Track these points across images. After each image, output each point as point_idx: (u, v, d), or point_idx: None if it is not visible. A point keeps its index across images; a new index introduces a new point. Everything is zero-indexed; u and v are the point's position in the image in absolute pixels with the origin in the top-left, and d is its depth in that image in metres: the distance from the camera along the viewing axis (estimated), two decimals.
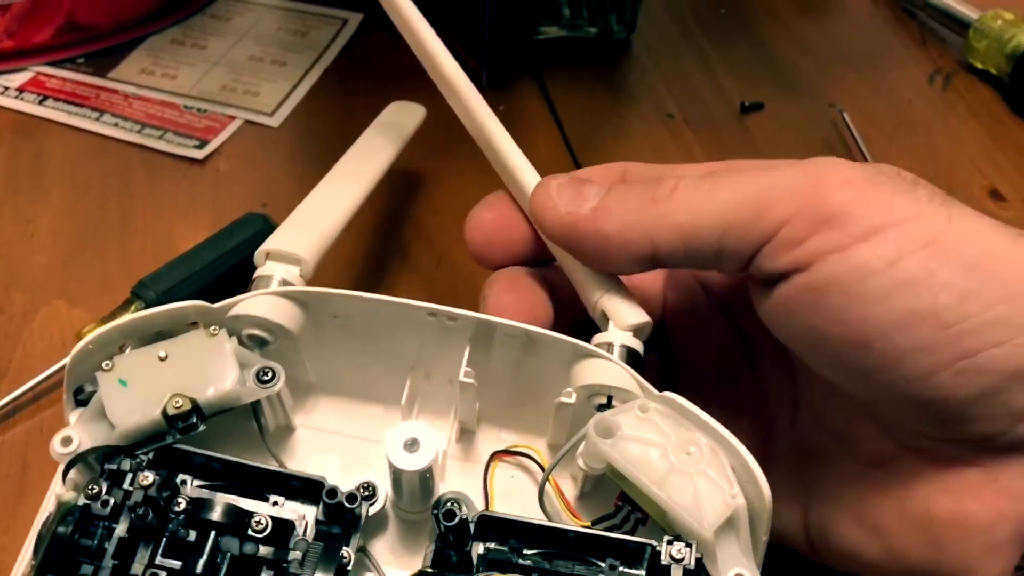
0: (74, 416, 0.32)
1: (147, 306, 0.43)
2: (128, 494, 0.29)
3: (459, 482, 0.33)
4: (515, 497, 0.33)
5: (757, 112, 0.60)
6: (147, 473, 0.29)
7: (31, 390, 0.42)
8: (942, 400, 0.28)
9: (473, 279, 0.48)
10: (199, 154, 0.54)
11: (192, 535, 0.29)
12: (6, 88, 0.59)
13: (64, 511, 0.29)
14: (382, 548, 0.32)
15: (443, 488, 0.33)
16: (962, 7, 0.65)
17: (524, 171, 0.39)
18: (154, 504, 0.29)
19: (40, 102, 0.58)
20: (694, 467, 0.28)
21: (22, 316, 0.46)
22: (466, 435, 0.36)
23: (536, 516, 0.31)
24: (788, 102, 0.61)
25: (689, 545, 0.27)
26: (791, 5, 0.70)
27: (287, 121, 0.58)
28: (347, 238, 0.50)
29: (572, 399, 0.32)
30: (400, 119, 0.51)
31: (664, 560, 0.27)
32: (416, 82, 0.61)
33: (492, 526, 0.29)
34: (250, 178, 0.54)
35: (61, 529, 0.28)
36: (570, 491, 0.33)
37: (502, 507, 0.33)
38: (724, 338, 0.37)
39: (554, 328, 0.33)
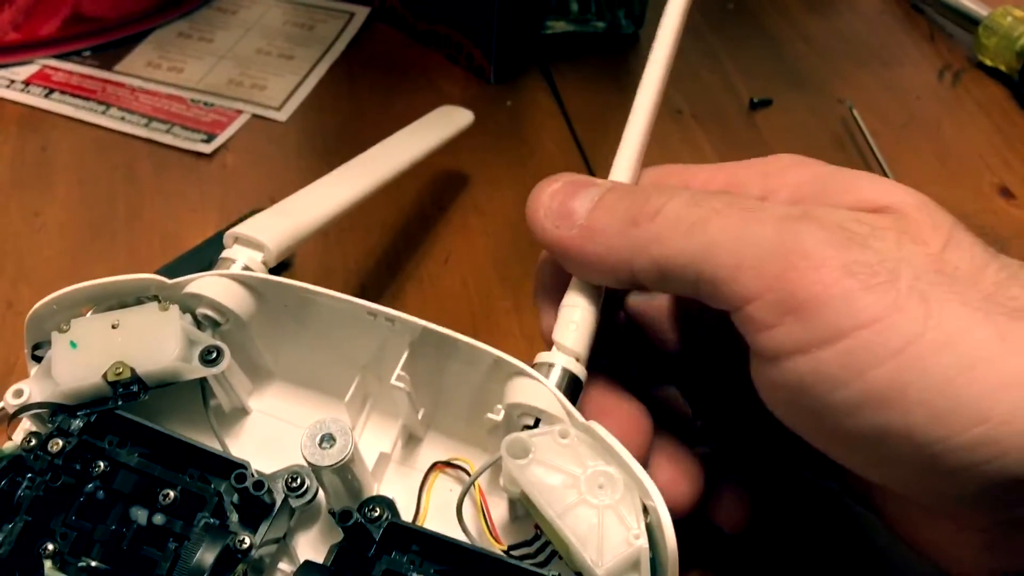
0: (33, 371, 0.33)
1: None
2: (49, 453, 0.30)
3: (397, 488, 0.33)
4: (449, 510, 0.32)
5: (766, 108, 0.60)
6: (58, 440, 0.30)
7: None
8: (930, 500, 0.27)
9: (482, 273, 0.48)
10: (207, 148, 0.54)
11: (106, 500, 0.29)
12: (12, 81, 0.59)
13: None
14: (313, 541, 0.32)
15: (382, 491, 0.32)
16: (972, 4, 0.65)
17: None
18: (70, 469, 0.29)
19: (46, 95, 0.58)
20: (602, 501, 0.27)
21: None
22: (414, 441, 0.36)
23: (461, 533, 0.30)
24: (797, 98, 0.60)
25: None
26: (799, 1, 0.70)
27: (295, 115, 0.57)
28: (348, 237, 0.50)
29: (500, 416, 0.31)
30: (441, 123, 0.50)
31: None
32: (420, 77, 0.61)
33: (402, 535, 0.28)
34: (258, 172, 0.54)
35: None
36: (503, 513, 0.32)
37: (435, 518, 0.32)
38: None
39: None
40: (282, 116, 0.57)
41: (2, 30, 0.60)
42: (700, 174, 0.34)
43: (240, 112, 0.57)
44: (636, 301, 0.37)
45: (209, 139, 0.55)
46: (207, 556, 0.28)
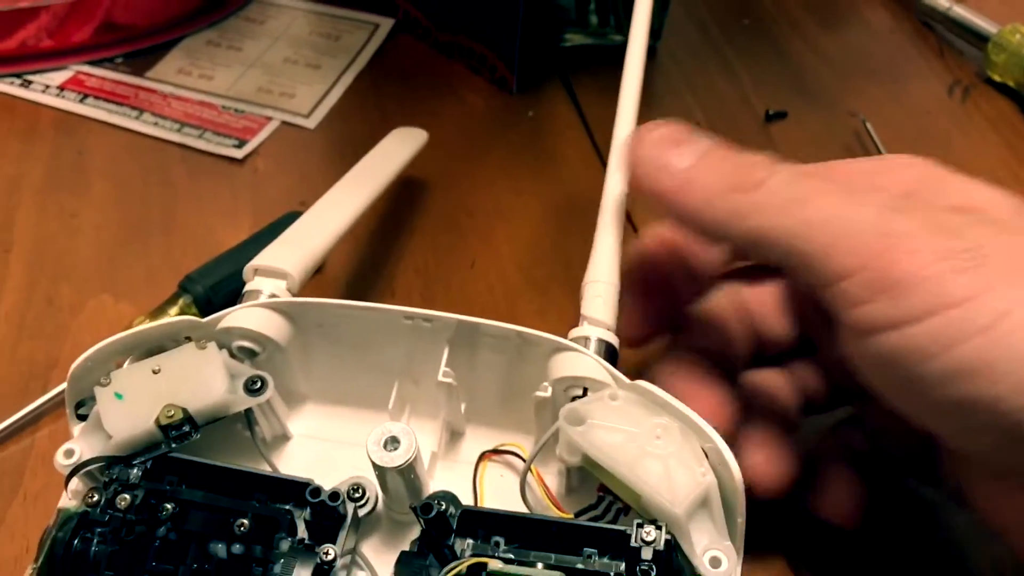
0: (77, 429, 0.34)
1: (194, 300, 0.45)
2: (119, 510, 0.30)
3: (449, 482, 0.35)
4: (504, 494, 0.34)
5: (781, 120, 0.61)
6: (124, 495, 0.30)
7: None
8: (1015, 468, 0.28)
9: (508, 279, 0.50)
10: (238, 153, 0.56)
11: (181, 539, 0.30)
12: (47, 86, 0.60)
13: (63, 518, 0.31)
14: (376, 548, 0.33)
15: (434, 488, 0.34)
16: (981, 21, 0.67)
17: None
18: (140, 519, 0.30)
19: (81, 100, 0.59)
20: (664, 450, 0.29)
21: (70, 308, 0.47)
22: (456, 437, 0.37)
23: (523, 511, 0.32)
24: (811, 111, 0.62)
25: (659, 527, 0.28)
26: (812, 17, 0.72)
27: (323, 123, 0.59)
28: (377, 243, 0.51)
29: (548, 393, 0.33)
30: (401, 144, 0.52)
31: (634, 542, 0.28)
32: (443, 88, 0.63)
33: (475, 521, 0.30)
34: (288, 178, 0.55)
35: (59, 535, 0.30)
36: (557, 486, 0.34)
37: (493, 503, 0.34)
38: None
39: None
40: (310, 123, 0.59)
41: (36, 37, 0.61)
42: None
43: (270, 119, 0.59)
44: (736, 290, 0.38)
45: (240, 145, 0.56)
46: (303, 573, 0.30)
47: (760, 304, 0.37)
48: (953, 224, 0.28)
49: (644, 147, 0.32)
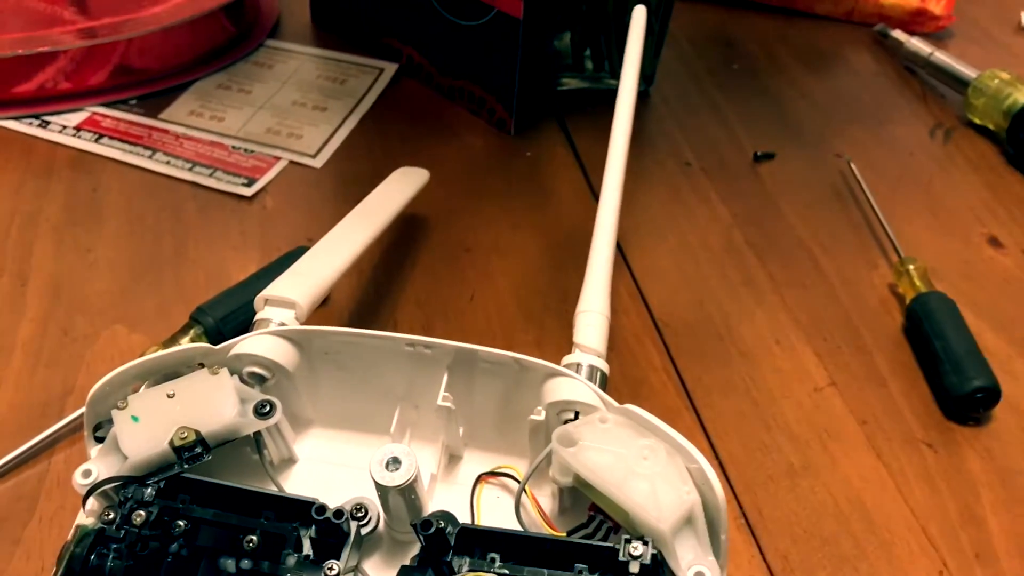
0: (94, 451, 0.36)
1: (205, 330, 0.47)
2: (134, 526, 0.32)
3: (448, 503, 0.36)
4: (500, 514, 0.36)
5: (769, 161, 0.64)
6: (140, 512, 0.32)
7: None
8: None
9: (506, 311, 0.52)
10: (247, 191, 0.58)
11: (192, 555, 0.32)
12: (64, 127, 0.63)
13: (81, 535, 0.33)
14: (378, 566, 0.35)
15: (433, 509, 0.35)
16: (961, 67, 0.69)
17: None
18: (154, 535, 0.32)
19: (96, 140, 0.62)
20: (650, 470, 0.31)
21: (84, 339, 0.49)
22: (454, 460, 0.39)
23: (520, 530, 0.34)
24: (798, 152, 0.65)
25: (646, 542, 0.30)
26: (799, 62, 0.74)
27: (329, 162, 0.61)
28: (380, 276, 0.53)
29: (542, 416, 0.35)
30: (403, 182, 0.55)
31: (622, 557, 0.30)
32: (444, 129, 0.65)
33: (473, 538, 0.32)
34: (296, 215, 0.57)
35: (77, 551, 0.32)
36: (551, 507, 0.36)
37: (489, 523, 0.35)
38: None
39: None
40: (317, 163, 0.61)
41: (54, 80, 0.64)
42: None
43: (278, 159, 0.61)
44: None
45: (250, 183, 0.59)
46: None
47: None
48: None
49: None
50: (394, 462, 0.33)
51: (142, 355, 0.46)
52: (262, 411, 0.35)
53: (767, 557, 0.41)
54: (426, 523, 0.31)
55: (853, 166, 0.62)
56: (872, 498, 0.43)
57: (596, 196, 0.60)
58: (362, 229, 0.47)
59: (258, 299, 0.40)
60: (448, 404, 0.35)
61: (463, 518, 0.35)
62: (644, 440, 0.32)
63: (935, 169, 0.64)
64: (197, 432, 0.34)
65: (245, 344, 0.37)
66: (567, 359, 0.36)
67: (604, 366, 0.36)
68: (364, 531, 0.34)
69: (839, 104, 0.70)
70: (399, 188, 0.53)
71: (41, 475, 0.43)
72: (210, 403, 0.35)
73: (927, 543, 0.42)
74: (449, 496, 0.37)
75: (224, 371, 0.36)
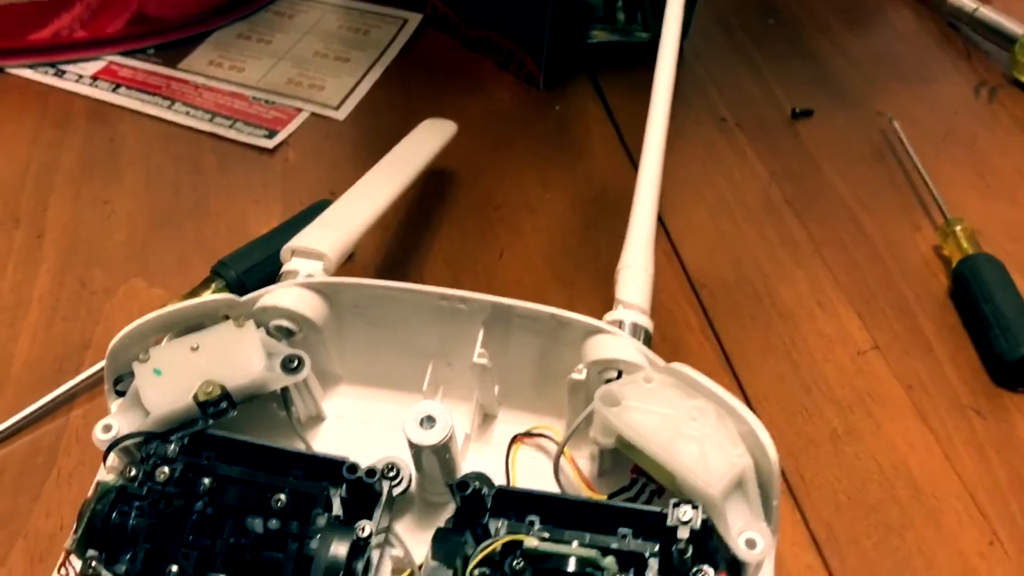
0: (114, 405, 0.34)
1: (227, 284, 0.45)
2: (157, 483, 0.30)
3: (481, 464, 0.35)
4: (537, 476, 0.34)
5: (807, 119, 0.61)
6: (164, 468, 0.31)
7: None
8: None
9: (536, 270, 0.50)
10: (269, 143, 0.56)
11: (218, 514, 0.30)
12: (80, 76, 0.61)
13: (102, 491, 0.31)
14: (409, 527, 0.34)
15: (467, 470, 0.34)
16: (1007, 22, 0.67)
17: None
18: (178, 493, 0.30)
19: (113, 90, 0.60)
20: (699, 432, 0.29)
21: (103, 292, 0.48)
22: (488, 419, 0.37)
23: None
24: (837, 110, 0.62)
25: (696, 507, 0.28)
26: (838, 19, 0.72)
27: (352, 115, 0.60)
28: (407, 232, 0.52)
29: (583, 375, 0.33)
30: (432, 134, 0.53)
31: (670, 522, 0.28)
32: (472, 79, 0.63)
33: (509, 500, 0.30)
34: (318, 168, 0.56)
35: (98, 508, 0.31)
36: (589, 469, 0.34)
37: (524, 486, 0.34)
38: None
39: None
40: (340, 115, 0.59)
41: (70, 28, 0.62)
42: None
43: (299, 110, 0.59)
44: None
45: (271, 135, 0.57)
46: (340, 549, 0.30)
47: None
48: None
49: None
50: (429, 420, 0.31)
51: (162, 307, 0.45)
52: (290, 366, 0.34)
53: (810, 525, 0.39)
54: (463, 483, 0.30)
55: (896, 124, 0.59)
56: (919, 465, 0.42)
57: (629, 153, 0.58)
58: (390, 181, 0.45)
59: (285, 250, 0.38)
60: (484, 361, 0.34)
61: (498, 479, 0.33)
62: (692, 400, 0.30)
63: (980, 128, 0.62)
64: (222, 386, 0.32)
65: (272, 296, 0.35)
66: (609, 315, 0.34)
67: (648, 323, 0.34)
68: (396, 492, 0.33)
69: (879, 61, 0.67)
70: (427, 140, 0.51)
71: (59, 430, 0.42)
72: (236, 356, 0.33)
73: (976, 511, 0.40)
74: (483, 457, 0.36)
75: (250, 323, 0.34)
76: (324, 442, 0.37)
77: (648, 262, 0.36)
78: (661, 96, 0.40)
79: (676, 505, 0.28)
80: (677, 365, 0.31)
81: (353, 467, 0.31)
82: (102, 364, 0.43)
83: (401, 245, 0.51)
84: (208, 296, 0.36)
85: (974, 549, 0.39)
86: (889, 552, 0.38)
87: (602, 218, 0.53)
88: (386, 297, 0.35)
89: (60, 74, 0.61)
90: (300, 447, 0.35)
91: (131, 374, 0.33)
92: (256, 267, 0.46)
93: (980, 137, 0.61)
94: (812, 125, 0.61)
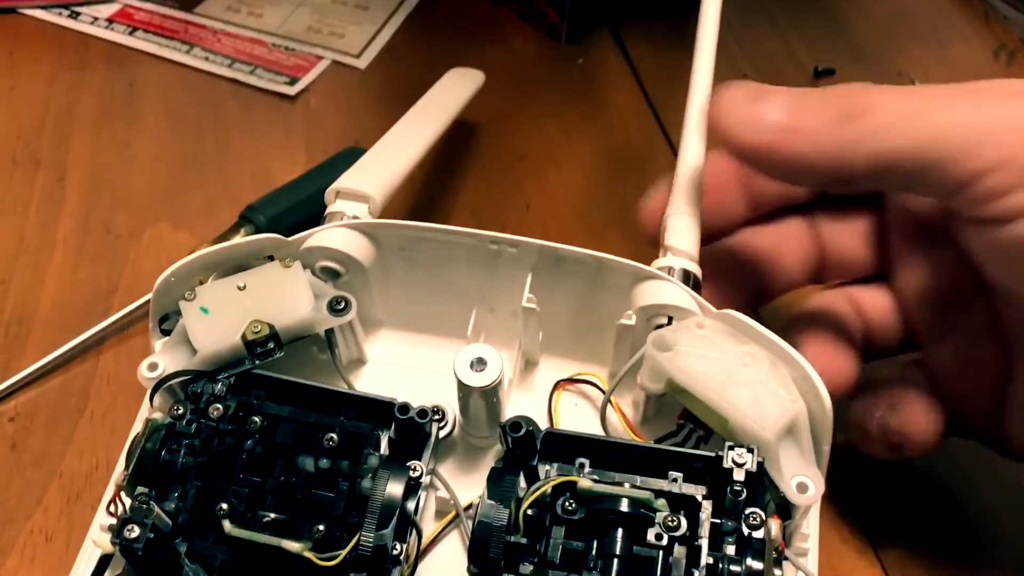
0: (159, 344, 0.34)
1: (257, 229, 0.45)
2: (211, 419, 0.30)
3: (524, 410, 0.34)
4: (579, 423, 0.35)
5: (829, 77, 0.61)
6: (217, 405, 0.30)
7: (144, 306, 0.43)
8: None
9: (564, 221, 0.50)
10: (291, 90, 0.56)
11: (268, 453, 0.30)
12: (95, 18, 0.60)
13: (152, 429, 0.31)
14: (452, 471, 0.34)
15: (509, 415, 0.34)
16: None
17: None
18: (229, 431, 0.30)
19: (130, 33, 0.59)
20: (752, 377, 0.29)
21: (128, 236, 0.47)
22: (530, 366, 0.37)
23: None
24: (858, 69, 0.62)
25: (751, 450, 0.28)
26: None
27: (373, 63, 0.59)
28: (432, 184, 0.51)
29: (632, 321, 0.33)
30: (460, 83, 0.52)
31: (726, 464, 0.28)
32: (493, 30, 0.62)
33: (558, 443, 0.30)
34: (341, 116, 0.55)
35: (149, 445, 0.31)
36: (633, 416, 0.34)
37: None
38: (952, 263, 0.34)
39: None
40: (361, 63, 0.59)
41: None
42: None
43: (320, 58, 0.58)
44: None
45: (292, 82, 0.56)
46: (396, 488, 0.30)
47: (837, 236, 0.37)
48: None
49: (728, 106, 0.31)
50: (480, 362, 0.31)
51: (190, 253, 0.44)
52: (337, 307, 0.33)
53: None
54: (515, 424, 0.30)
55: (917, 84, 0.59)
56: None
57: (652, 106, 0.58)
58: (424, 129, 0.45)
59: (329, 192, 0.38)
60: (533, 306, 0.34)
61: (541, 424, 0.34)
62: (744, 347, 0.30)
63: None
64: (271, 326, 0.32)
65: (319, 236, 0.35)
66: (658, 262, 0.34)
67: (698, 270, 0.34)
68: (441, 434, 0.33)
69: (899, 22, 0.67)
70: (456, 89, 0.51)
71: (89, 373, 0.42)
72: (284, 297, 0.33)
73: None
74: (526, 403, 0.36)
75: (297, 264, 0.34)
76: (365, 385, 0.37)
77: (696, 210, 0.36)
78: (707, 41, 0.40)
79: (731, 448, 0.28)
80: (729, 311, 0.31)
81: (405, 407, 0.31)
82: (132, 307, 0.43)
83: (428, 197, 0.51)
84: (255, 236, 0.36)
85: None
86: None
87: (627, 171, 0.53)
88: (434, 240, 0.35)
89: (75, 16, 0.60)
90: (344, 389, 0.35)
91: (176, 313, 0.33)
92: (286, 213, 0.46)
93: None
94: (834, 84, 0.61)
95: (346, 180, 0.39)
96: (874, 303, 0.37)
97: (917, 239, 0.35)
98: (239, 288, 0.33)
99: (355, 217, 0.37)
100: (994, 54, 0.65)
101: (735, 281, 0.36)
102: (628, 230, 0.49)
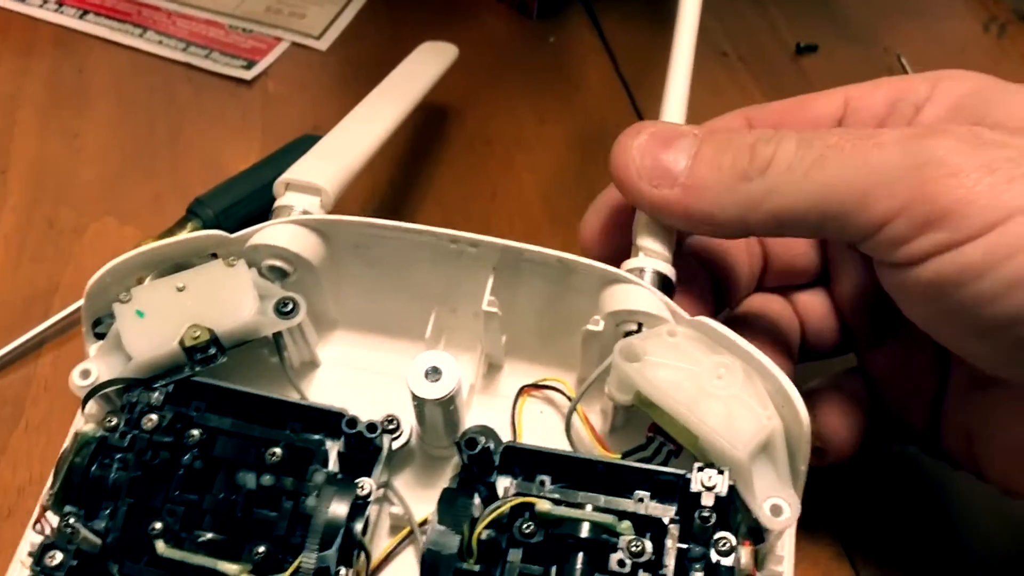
0: (93, 348, 0.31)
1: (204, 224, 0.43)
2: (144, 431, 0.28)
3: (487, 417, 0.32)
4: (544, 431, 0.32)
5: (812, 54, 0.59)
6: (151, 416, 0.28)
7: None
8: None
9: (530, 210, 0.48)
10: (247, 75, 0.53)
11: (207, 468, 0.28)
12: (45, 1, 0.57)
13: (81, 443, 0.29)
14: (408, 483, 0.32)
15: (470, 423, 0.32)
16: None
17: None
18: (165, 443, 0.28)
19: (80, 16, 0.56)
20: (726, 391, 0.27)
21: (72, 231, 0.45)
22: (494, 370, 0.35)
23: (568, 450, 0.30)
24: (843, 45, 0.60)
25: (721, 471, 0.26)
26: None
27: (335, 44, 0.56)
28: (395, 171, 0.49)
29: (600, 327, 0.30)
30: (430, 59, 0.49)
31: (694, 487, 0.26)
32: (461, 11, 0.60)
33: (518, 458, 0.28)
34: (299, 100, 0.53)
35: (77, 460, 0.28)
36: (601, 426, 0.32)
37: (532, 440, 0.32)
38: None
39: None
40: (322, 45, 0.56)
41: None
42: (814, 100, 0.34)
43: (279, 40, 0.56)
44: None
45: (249, 65, 0.54)
46: (340, 508, 0.28)
47: (781, 245, 0.36)
48: (993, 136, 0.26)
49: (630, 157, 0.30)
50: (434, 372, 0.29)
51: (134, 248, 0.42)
52: (284, 309, 0.31)
53: None
54: (471, 441, 0.27)
55: (904, 60, 0.57)
56: None
57: (626, 86, 0.55)
58: (388, 111, 0.42)
59: (278, 183, 0.35)
60: (494, 309, 0.31)
61: (503, 433, 0.31)
62: (718, 357, 0.28)
63: (989, 65, 0.59)
64: (211, 331, 0.29)
65: (265, 233, 0.32)
66: (629, 263, 0.31)
67: (670, 271, 0.31)
68: (395, 445, 0.31)
69: None
70: (425, 66, 0.48)
71: (27, 379, 0.40)
72: (225, 298, 0.30)
73: None
74: (488, 409, 0.33)
75: (241, 263, 0.31)
76: (319, 390, 0.34)
77: None
78: (686, 35, 0.37)
79: (700, 469, 0.26)
80: (703, 319, 0.29)
81: (353, 421, 0.29)
82: (72, 308, 0.41)
83: (389, 184, 0.49)
84: (197, 232, 0.33)
85: None
86: None
87: (599, 153, 0.50)
88: (390, 238, 0.32)
89: None
90: (293, 395, 0.32)
91: (111, 315, 0.31)
92: (235, 206, 0.43)
93: (988, 73, 0.59)
94: (817, 60, 0.58)
95: (296, 171, 0.36)
96: (810, 305, 0.36)
97: (852, 249, 0.34)
98: (178, 289, 0.31)
99: (305, 212, 0.35)
100: (984, 27, 0.63)
101: (700, 288, 0.34)
102: None
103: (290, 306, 0.31)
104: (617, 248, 0.33)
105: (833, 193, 0.27)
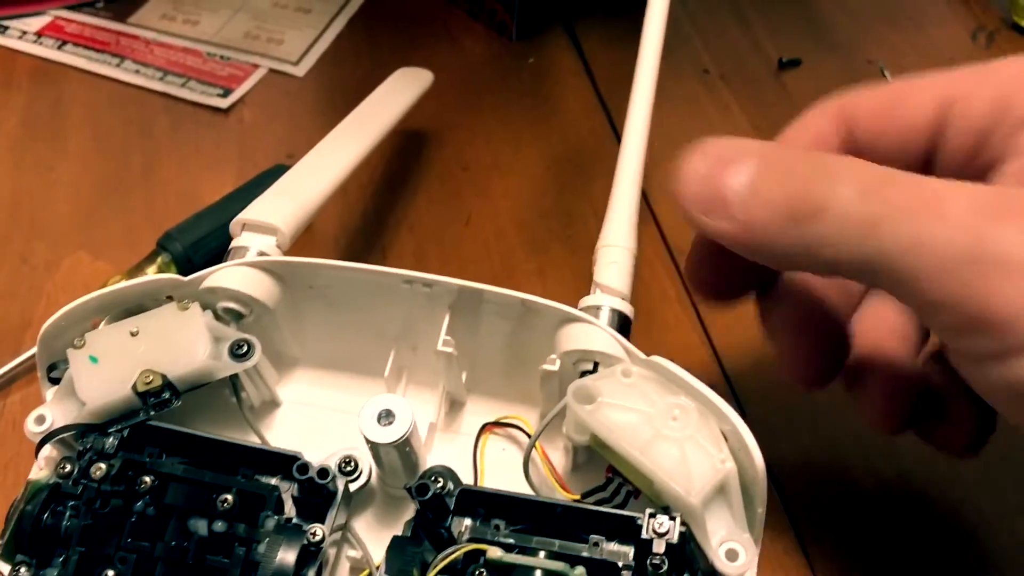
0: (49, 394, 0.31)
1: (174, 258, 0.43)
2: (93, 480, 0.28)
3: (448, 456, 0.32)
4: (506, 470, 0.32)
5: (795, 68, 0.58)
6: (100, 464, 0.28)
7: None
8: None
9: (505, 236, 0.47)
10: (223, 103, 0.53)
11: (159, 515, 0.28)
12: (24, 32, 0.57)
13: (33, 490, 0.29)
14: (369, 524, 0.31)
15: (432, 462, 0.31)
16: None
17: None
18: (116, 492, 0.28)
19: (59, 47, 0.57)
20: (680, 433, 0.27)
21: (45, 267, 0.45)
22: (456, 407, 0.35)
23: (526, 489, 0.30)
24: (826, 58, 0.59)
25: (673, 518, 0.26)
26: None
27: (313, 70, 0.56)
28: (368, 198, 0.49)
29: (556, 366, 0.30)
30: (405, 86, 0.49)
31: (645, 534, 0.26)
32: (440, 33, 0.60)
33: (475, 500, 0.28)
34: (276, 128, 0.52)
35: (28, 508, 0.28)
36: (563, 464, 0.32)
37: (493, 480, 0.32)
38: None
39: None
40: (300, 71, 0.56)
41: None
42: (908, 96, 0.31)
43: (257, 66, 0.56)
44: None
45: (226, 93, 0.54)
46: (288, 555, 0.27)
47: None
48: None
49: (690, 186, 0.27)
50: (387, 415, 0.29)
51: (103, 286, 0.42)
52: (238, 352, 0.31)
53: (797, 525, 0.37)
54: (422, 487, 0.27)
55: (887, 73, 0.56)
56: None
57: (606, 108, 0.55)
58: (356, 140, 0.42)
59: (234, 223, 0.35)
60: (449, 349, 0.31)
61: (465, 471, 0.31)
62: (673, 397, 0.28)
63: None
64: (164, 376, 0.29)
65: (219, 276, 0.32)
66: (585, 301, 0.31)
67: (628, 309, 0.31)
68: (354, 486, 0.31)
69: (871, 6, 0.64)
70: (399, 93, 0.47)
71: None
72: (179, 343, 0.30)
73: None
74: (450, 447, 0.33)
75: (195, 306, 0.31)
76: (279, 430, 0.34)
77: (630, 241, 0.33)
78: (648, 64, 0.37)
79: (652, 515, 0.26)
80: (657, 359, 0.29)
81: (304, 467, 0.29)
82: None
83: (362, 211, 0.48)
84: (150, 276, 0.33)
85: None
86: None
87: (577, 177, 0.51)
88: (344, 278, 0.32)
89: (2, 30, 0.58)
90: (252, 438, 0.32)
91: (66, 360, 0.31)
92: (205, 239, 0.43)
93: None
94: (800, 75, 0.58)
95: (252, 210, 0.36)
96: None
97: None
98: (132, 334, 0.31)
99: (261, 253, 0.34)
100: (972, 36, 0.62)
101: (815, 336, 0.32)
102: (574, 243, 0.47)
103: (245, 348, 0.31)
104: (726, 275, 0.32)
105: (886, 261, 0.24)
